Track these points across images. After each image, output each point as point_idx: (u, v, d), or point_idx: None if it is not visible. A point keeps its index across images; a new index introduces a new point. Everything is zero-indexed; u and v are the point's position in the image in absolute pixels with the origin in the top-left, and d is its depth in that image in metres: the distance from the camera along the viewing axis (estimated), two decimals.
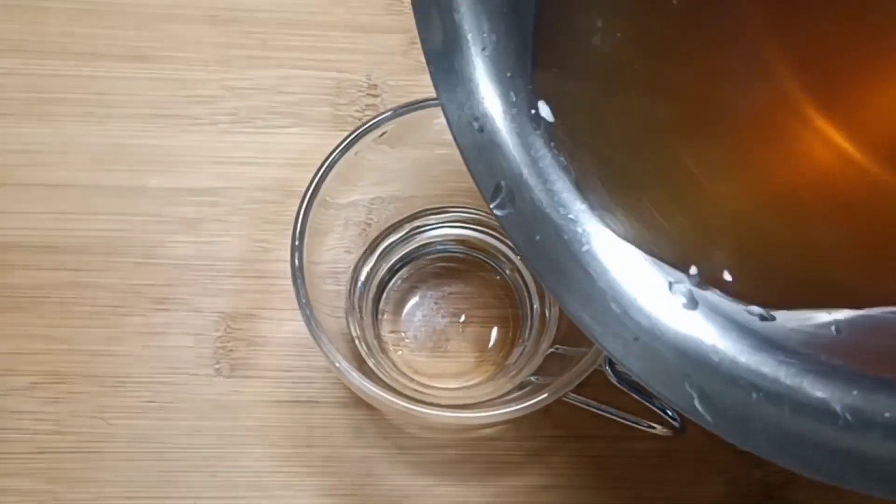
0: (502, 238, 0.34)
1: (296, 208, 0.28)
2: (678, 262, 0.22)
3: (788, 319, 0.21)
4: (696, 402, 0.20)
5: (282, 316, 0.33)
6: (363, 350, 0.32)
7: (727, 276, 0.21)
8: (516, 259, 0.34)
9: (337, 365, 0.27)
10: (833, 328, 0.20)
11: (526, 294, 0.34)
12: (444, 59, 0.23)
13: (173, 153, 0.35)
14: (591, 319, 0.21)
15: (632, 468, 0.32)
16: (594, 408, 0.29)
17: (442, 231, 0.34)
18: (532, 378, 0.31)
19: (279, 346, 0.33)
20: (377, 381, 0.29)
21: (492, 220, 0.33)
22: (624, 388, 0.27)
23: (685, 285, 0.21)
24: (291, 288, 0.28)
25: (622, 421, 0.29)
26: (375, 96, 0.37)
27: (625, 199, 0.22)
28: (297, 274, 0.28)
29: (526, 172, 0.23)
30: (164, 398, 0.32)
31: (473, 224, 0.34)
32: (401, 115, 0.29)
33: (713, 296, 0.21)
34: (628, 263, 0.22)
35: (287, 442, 0.32)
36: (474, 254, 0.34)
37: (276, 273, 0.34)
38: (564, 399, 0.28)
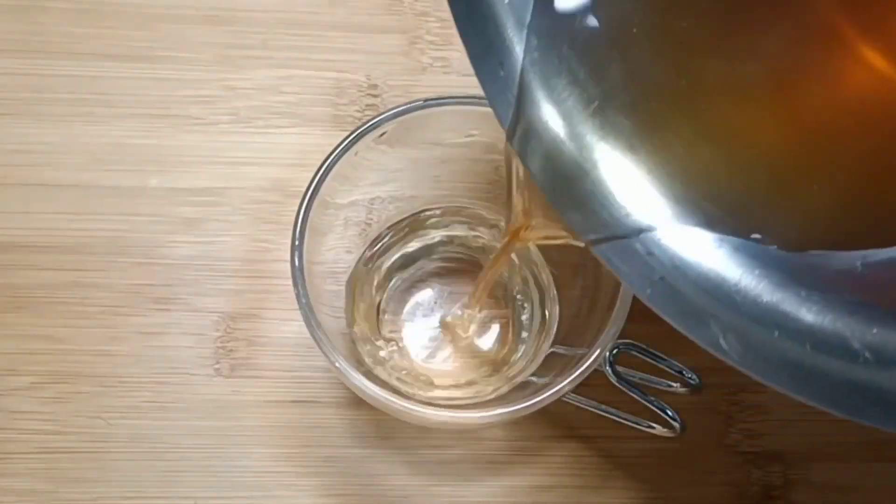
0: (502, 238, 0.34)
1: (296, 208, 0.28)
2: (701, 200, 0.21)
3: (812, 257, 0.20)
4: (722, 341, 0.20)
5: (282, 316, 0.33)
6: (363, 350, 0.32)
7: (752, 215, 0.21)
8: (516, 259, 0.34)
9: (337, 365, 0.27)
10: (858, 265, 0.20)
11: (526, 294, 0.34)
12: None
13: (173, 153, 0.35)
14: (618, 260, 0.21)
15: (632, 468, 0.32)
16: (594, 408, 0.29)
17: (442, 231, 0.34)
18: (532, 378, 0.31)
19: (279, 346, 0.33)
20: (377, 381, 0.29)
21: (491, 220, 0.34)
22: (624, 388, 0.27)
23: (709, 224, 0.21)
24: (291, 288, 0.28)
25: (622, 421, 0.29)
26: (375, 96, 0.37)
27: (647, 130, 0.22)
28: (297, 274, 0.28)
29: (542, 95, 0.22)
30: (164, 398, 0.32)
31: (473, 224, 0.34)
32: (401, 115, 0.29)
33: (729, 229, 0.21)
34: (649, 202, 0.21)
35: (287, 442, 0.32)
36: (474, 254, 0.34)
37: (276, 273, 0.34)
38: (564, 399, 0.28)
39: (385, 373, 0.31)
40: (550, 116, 0.22)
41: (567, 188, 0.22)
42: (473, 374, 0.33)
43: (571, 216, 0.22)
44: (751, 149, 0.22)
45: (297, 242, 0.28)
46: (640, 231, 0.21)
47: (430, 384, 0.32)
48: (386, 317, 0.33)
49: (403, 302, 0.34)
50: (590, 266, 0.31)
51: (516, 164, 0.25)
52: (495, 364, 0.33)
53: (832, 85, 0.23)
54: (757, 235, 0.21)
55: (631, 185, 0.22)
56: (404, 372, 0.32)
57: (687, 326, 0.21)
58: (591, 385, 0.28)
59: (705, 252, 0.21)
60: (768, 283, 0.20)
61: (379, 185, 0.32)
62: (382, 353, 0.32)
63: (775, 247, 0.21)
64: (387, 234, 0.34)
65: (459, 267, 0.34)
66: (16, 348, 0.33)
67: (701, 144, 0.22)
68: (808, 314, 0.20)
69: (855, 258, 0.20)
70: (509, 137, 0.23)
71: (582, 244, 0.23)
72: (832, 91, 0.23)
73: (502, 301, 0.34)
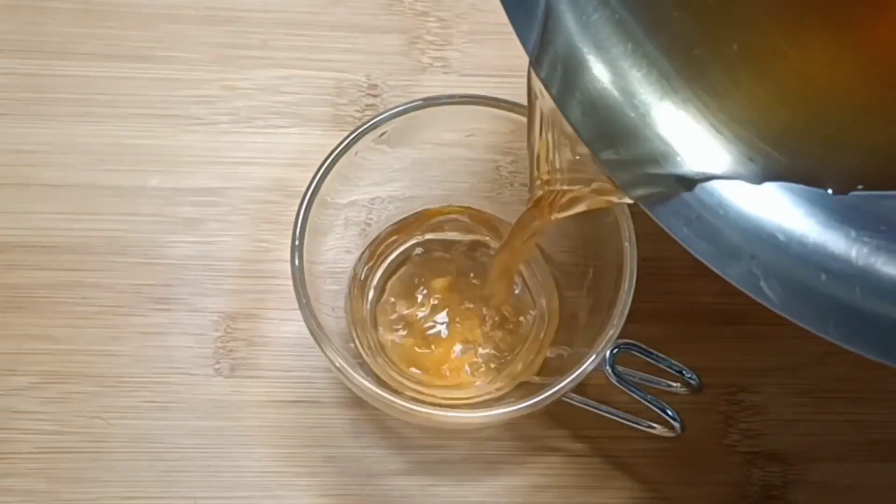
0: (502, 239, 0.34)
1: (296, 208, 0.28)
2: (745, 136, 0.20)
3: (862, 198, 0.19)
4: (762, 283, 0.19)
5: (282, 316, 0.33)
6: (363, 350, 0.32)
7: (809, 155, 0.20)
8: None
9: (337, 365, 0.27)
10: None
11: (527, 294, 0.34)
12: None
13: (173, 153, 0.35)
14: (653, 199, 0.20)
15: (632, 468, 0.32)
16: (594, 408, 0.29)
17: (442, 232, 0.34)
18: (532, 378, 0.31)
19: (279, 346, 0.33)
20: (377, 381, 0.29)
21: (491, 220, 0.34)
22: (624, 388, 0.27)
23: (752, 160, 0.20)
24: (291, 288, 0.28)
25: (622, 421, 0.29)
26: (375, 96, 0.37)
27: (692, 69, 0.20)
28: (297, 274, 0.28)
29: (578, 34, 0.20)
30: (164, 398, 0.32)
31: (473, 224, 0.34)
32: (401, 115, 0.29)
33: (780, 172, 0.20)
34: (689, 136, 0.20)
35: (287, 442, 0.32)
36: (474, 254, 0.34)
37: (276, 273, 0.34)
38: (564, 399, 0.28)
39: (385, 373, 0.31)
40: (583, 42, 0.20)
41: (603, 123, 0.20)
42: (474, 373, 0.33)
43: (607, 156, 0.20)
44: (814, 86, 0.20)
45: (297, 242, 0.28)
46: (682, 172, 0.20)
47: (430, 384, 0.32)
48: (389, 300, 0.33)
49: (403, 302, 0.34)
50: (591, 266, 0.31)
51: (541, 103, 0.23)
52: (495, 364, 0.33)
53: None
54: (807, 176, 0.19)
55: (674, 124, 0.20)
56: (404, 371, 0.32)
57: (725, 268, 0.19)
58: (591, 385, 0.28)
59: (748, 192, 0.20)
60: (815, 223, 0.19)
61: (379, 185, 0.32)
62: (382, 353, 0.32)
63: (824, 189, 0.19)
64: (387, 234, 0.34)
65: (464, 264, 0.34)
66: (16, 348, 0.33)
67: (755, 84, 0.20)
68: (858, 256, 0.18)
69: None
70: (534, 64, 0.21)
71: (613, 199, 0.22)
72: None
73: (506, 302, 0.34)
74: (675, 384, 0.28)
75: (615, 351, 0.28)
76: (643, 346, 0.28)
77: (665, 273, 0.34)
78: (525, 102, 0.25)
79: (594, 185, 0.24)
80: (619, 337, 0.27)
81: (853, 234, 0.19)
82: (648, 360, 0.28)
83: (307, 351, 0.33)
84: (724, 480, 0.33)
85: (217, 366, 0.33)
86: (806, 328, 0.19)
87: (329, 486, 0.32)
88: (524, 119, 0.29)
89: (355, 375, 0.27)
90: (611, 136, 0.20)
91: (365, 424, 0.32)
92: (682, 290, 0.34)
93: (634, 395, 0.27)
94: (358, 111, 0.36)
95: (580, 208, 0.25)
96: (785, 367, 0.34)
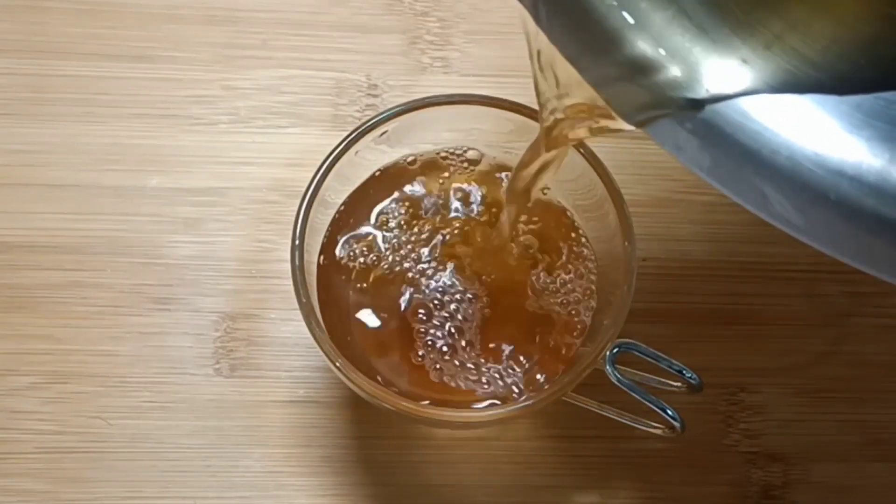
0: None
1: (296, 208, 0.28)
2: (749, 33, 0.18)
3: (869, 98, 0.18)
4: (771, 202, 0.18)
5: (282, 316, 0.33)
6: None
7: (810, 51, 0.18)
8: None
9: (337, 365, 0.27)
10: None
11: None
12: None
13: (173, 153, 0.35)
14: (659, 127, 0.18)
15: (632, 468, 0.32)
16: (594, 408, 0.29)
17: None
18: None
19: (279, 346, 0.33)
20: (377, 380, 0.29)
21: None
22: (624, 388, 0.27)
23: (759, 58, 0.18)
24: (291, 288, 0.28)
25: (622, 421, 0.29)
26: (375, 96, 0.37)
27: None
28: (297, 274, 0.28)
29: None
30: (164, 398, 0.32)
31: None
32: (401, 114, 0.29)
33: (786, 69, 0.18)
34: (703, 59, 0.18)
35: (287, 442, 0.32)
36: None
37: (276, 273, 0.34)
38: (564, 399, 0.28)
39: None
40: None
41: (597, 48, 0.19)
42: None
43: (608, 86, 0.19)
44: None
45: (297, 242, 0.28)
46: (686, 96, 0.18)
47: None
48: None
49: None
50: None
51: (532, 28, 0.21)
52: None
53: None
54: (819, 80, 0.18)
55: (678, 38, 0.18)
56: None
57: (731, 188, 0.18)
58: (591, 385, 0.28)
59: (758, 107, 0.18)
60: (823, 135, 0.18)
61: None
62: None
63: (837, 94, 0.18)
64: None
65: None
66: (16, 348, 0.33)
67: None
68: (869, 170, 0.17)
69: None
70: None
71: (611, 124, 0.20)
72: None
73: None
74: (675, 384, 0.28)
75: (615, 351, 0.28)
76: (643, 346, 0.28)
77: (665, 273, 0.34)
78: (525, 101, 0.25)
79: (592, 107, 0.22)
80: (619, 337, 0.27)
81: (866, 131, 0.17)
82: (648, 359, 0.28)
83: (307, 351, 0.33)
84: (724, 480, 0.33)
85: (217, 366, 0.33)
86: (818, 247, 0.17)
87: (329, 486, 0.32)
88: (524, 119, 0.30)
89: (355, 375, 0.27)
90: (606, 60, 0.19)
91: (365, 424, 0.32)
92: (682, 290, 0.34)
93: (635, 395, 0.27)
94: (358, 111, 0.36)
95: (583, 134, 0.24)
96: (785, 367, 0.34)
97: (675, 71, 0.18)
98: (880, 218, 0.17)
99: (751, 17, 0.19)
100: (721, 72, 0.18)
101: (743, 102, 0.18)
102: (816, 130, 0.18)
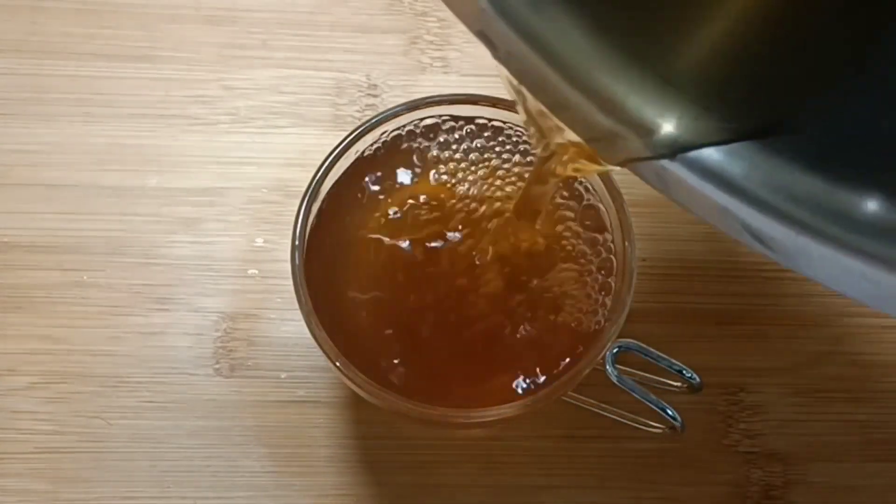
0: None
1: (296, 208, 0.28)
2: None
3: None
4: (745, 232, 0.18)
5: (282, 316, 0.33)
6: None
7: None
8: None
9: (337, 365, 0.27)
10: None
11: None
12: None
13: (173, 153, 0.35)
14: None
15: (632, 468, 0.32)
16: (594, 408, 0.30)
17: None
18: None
19: (279, 346, 0.33)
20: (377, 380, 0.29)
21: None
22: (624, 388, 0.27)
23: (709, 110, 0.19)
24: (291, 288, 0.28)
25: (622, 421, 0.29)
26: (375, 96, 0.37)
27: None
28: (297, 274, 0.28)
29: None
30: (164, 398, 0.32)
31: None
32: (401, 115, 0.29)
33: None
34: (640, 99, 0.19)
35: (287, 442, 0.32)
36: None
37: (276, 273, 0.34)
38: (564, 399, 0.28)
39: None
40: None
41: (572, 115, 0.19)
42: None
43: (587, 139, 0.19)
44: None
45: (296, 242, 0.28)
46: (656, 148, 0.19)
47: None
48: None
49: None
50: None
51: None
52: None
53: None
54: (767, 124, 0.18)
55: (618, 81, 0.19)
56: None
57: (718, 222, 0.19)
58: (591, 385, 0.28)
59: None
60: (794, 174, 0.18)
61: None
62: None
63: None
64: None
65: None
66: (16, 348, 0.33)
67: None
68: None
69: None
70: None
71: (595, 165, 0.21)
72: None
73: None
74: (675, 383, 0.28)
75: (615, 351, 0.28)
76: (643, 345, 0.28)
77: (665, 273, 0.34)
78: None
79: (575, 146, 0.23)
80: (619, 337, 0.27)
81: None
82: (648, 359, 0.28)
83: (307, 351, 0.33)
84: (724, 480, 0.33)
85: (217, 366, 0.33)
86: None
87: (329, 486, 0.32)
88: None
89: (355, 375, 0.27)
90: (570, 115, 0.19)
91: (365, 424, 0.32)
92: (682, 290, 0.34)
93: (635, 395, 0.27)
94: (358, 111, 0.36)
95: (572, 172, 0.24)
96: (785, 367, 0.34)
97: (645, 124, 0.19)
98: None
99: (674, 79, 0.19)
100: (685, 123, 0.19)
101: (709, 150, 0.19)
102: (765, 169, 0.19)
